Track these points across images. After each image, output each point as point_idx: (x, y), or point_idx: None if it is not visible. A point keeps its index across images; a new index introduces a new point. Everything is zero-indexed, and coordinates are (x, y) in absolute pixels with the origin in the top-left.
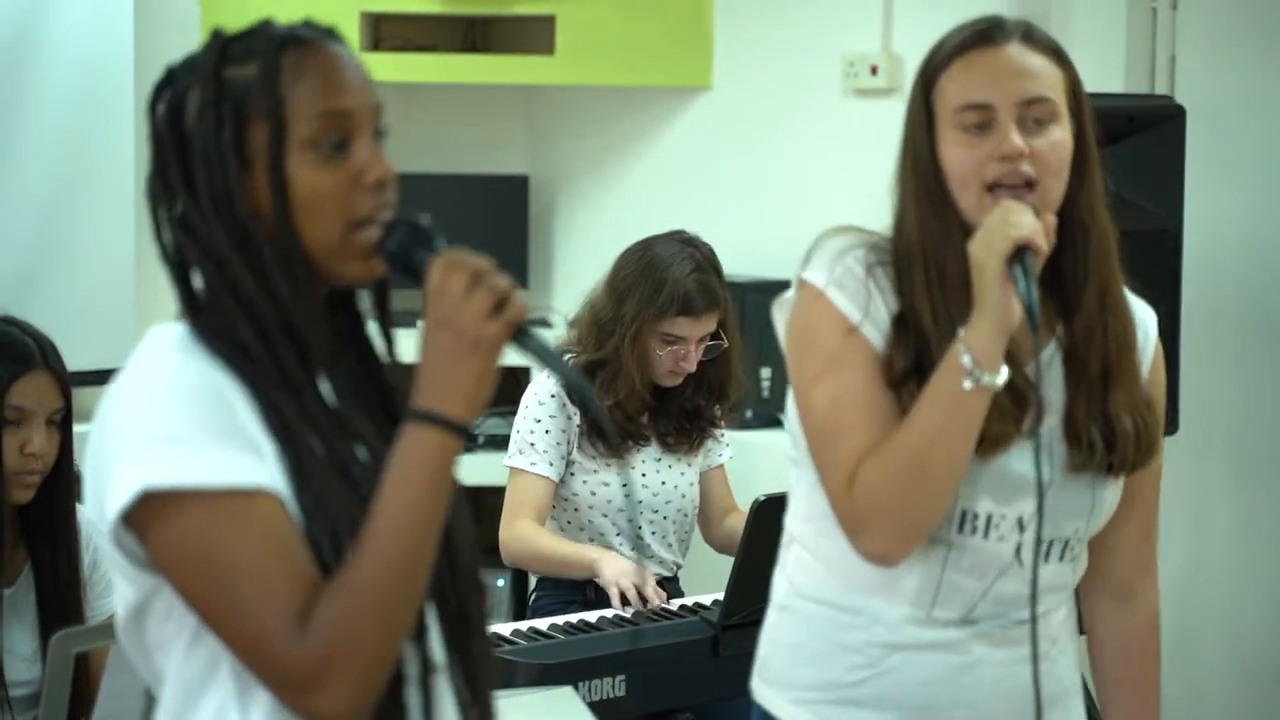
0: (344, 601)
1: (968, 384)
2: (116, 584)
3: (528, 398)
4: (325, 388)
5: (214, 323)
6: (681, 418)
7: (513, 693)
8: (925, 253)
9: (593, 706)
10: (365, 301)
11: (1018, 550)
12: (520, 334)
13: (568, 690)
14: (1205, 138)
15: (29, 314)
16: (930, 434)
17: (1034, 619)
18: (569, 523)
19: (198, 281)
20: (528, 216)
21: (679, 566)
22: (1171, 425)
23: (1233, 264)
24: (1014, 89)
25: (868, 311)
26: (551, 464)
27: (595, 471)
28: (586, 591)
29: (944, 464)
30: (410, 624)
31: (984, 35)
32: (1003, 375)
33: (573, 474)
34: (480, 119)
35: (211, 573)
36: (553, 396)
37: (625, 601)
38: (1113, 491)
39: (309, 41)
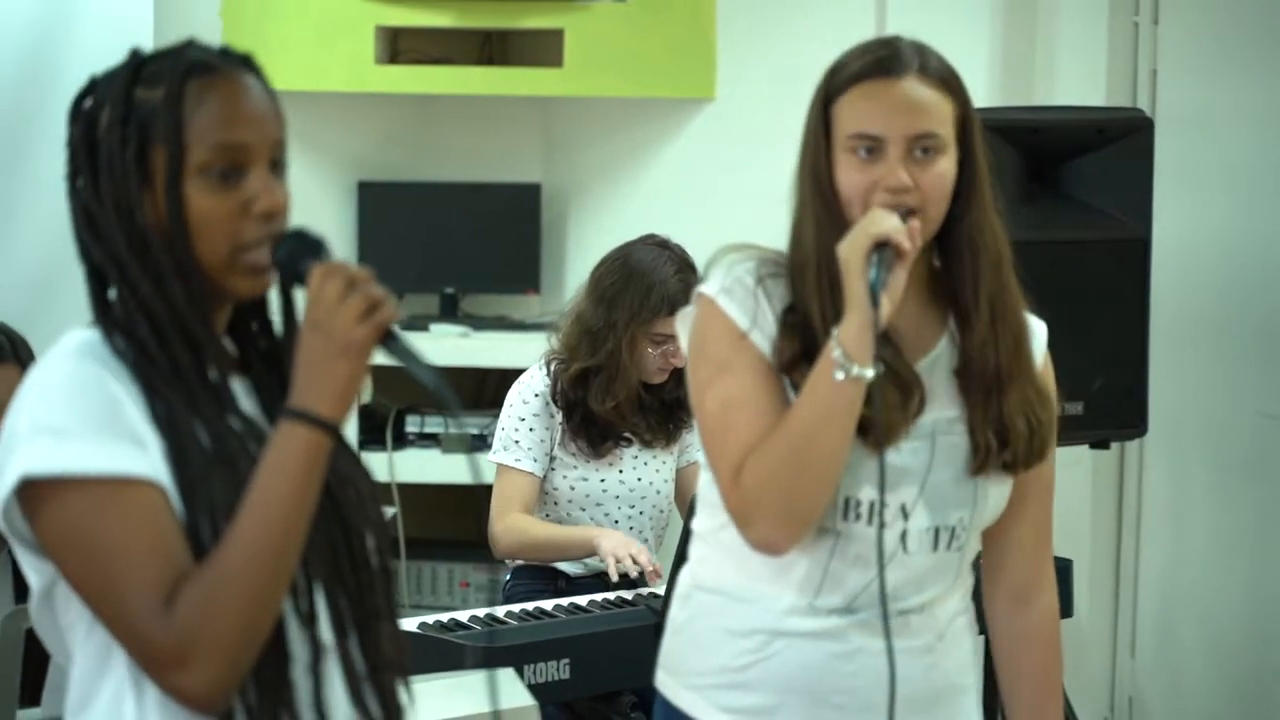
0: (208, 586)
1: (840, 375)
2: (25, 573)
3: (512, 396)
4: (237, 389)
5: (119, 322)
6: (662, 411)
7: (455, 674)
8: (818, 259)
9: (537, 688)
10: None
11: (902, 537)
12: (388, 338)
13: (509, 672)
14: (1186, 148)
15: (49, 319)
16: (810, 425)
17: (883, 589)
18: (547, 516)
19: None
20: (540, 224)
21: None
22: (1140, 427)
23: (1210, 270)
24: (904, 124)
25: (756, 320)
26: (535, 460)
27: (575, 467)
28: (558, 582)
29: (823, 454)
30: (275, 610)
31: (882, 66)
32: (873, 368)
33: (553, 469)
34: (494, 129)
35: (87, 555)
36: (536, 395)
37: (623, 575)
38: (997, 486)
39: (216, 71)
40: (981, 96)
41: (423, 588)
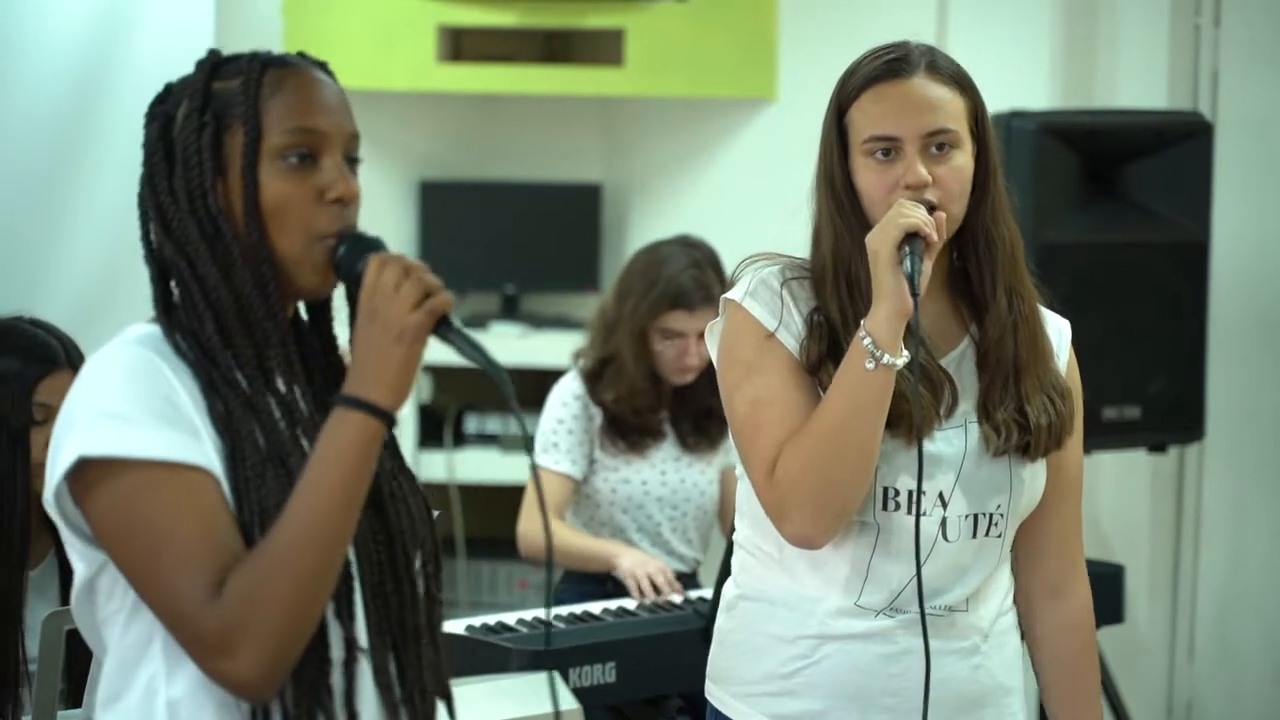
0: (256, 572)
1: (870, 364)
2: (73, 561)
3: (552, 398)
4: (289, 385)
5: (182, 321)
6: (698, 416)
7: (499, 677)
8: (837, 263)
9: (584, 692)
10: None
11: (942, 525)
12: (442, 324)
13: (554, 675)
14: (1247, 151)
15: (109, 321)
16: (841, 415)
17: (919, 577)
18: (591, 518)
19: (174, 284)
20: (601, 223)
21: (699, 562)
22: (1198, 431)
23: (1271, 273)
24: (918, 122)
25: (782, 320)
26: (574, 462)
27: (616, 469)
28: (606, 585)
29: (856, 442)
30: (323, 598)
31: (891, 69)
32: (903, 356)
33: (595, 472)
34: (555, 129)
35: (138, 537)
36: (576, 397)
37: (642, 593)
38: (1032, 473)
39: (291, 64)
40: (1042, 99)
41: (481, 587)
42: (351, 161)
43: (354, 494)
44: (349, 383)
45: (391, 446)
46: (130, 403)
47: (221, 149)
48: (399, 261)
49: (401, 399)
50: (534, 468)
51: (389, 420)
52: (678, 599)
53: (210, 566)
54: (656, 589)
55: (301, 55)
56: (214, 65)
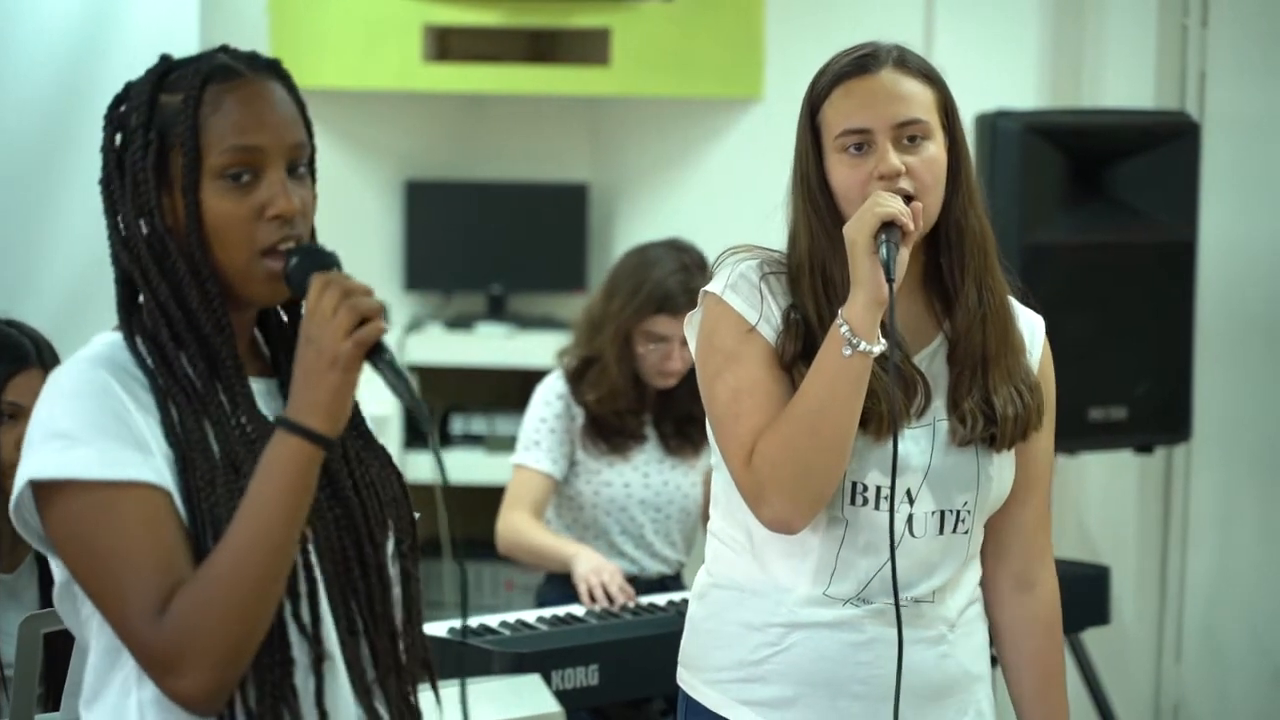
0: (199, 591)
1: (847, 351)
2: (51, 563)
3: (536, 397)
4: (261, 391)
5: (142, 327)
6: (681, 422)
7: (481, 680)
8: (813, 262)
9: (566, 694)
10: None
11: (908, 521)
12: (373, 353)
13: (535, 678)
14: (1234, 151)
15: (95, 321)
16: (819, 400)
17: (894, 571)
18: (574, 521)
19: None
20: (587, 224)
21: (682, 564)
22: (1184, 432)
23: (1259, 274)
24: (889, 113)
25: (762, 313)
26: (554, 461)
27: (598, 472)
28: None
29: (833, 428)
30: (266, 616)
31: (860, 65)
32: (879, 344)
33: (576, 474)
34: (542, 128)
35: (88, 556)
36: (559, 397)
37: (593, 598)
38: (999, 467)
39: (236, 76)
40: (1029, 99)
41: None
42: (296, 170)
43: (292, 515)
44: (289, 405)
45: (359, 429)
46: (76, 422)
47: (166, 168)
48: (340, 284)
49: (338, 424)
50: (443, 485)
51: (326, 444)
52: (660, 601)
53: (157, 585)
54: (609, 596)
55: (252, 59)
56: (162, 74)
